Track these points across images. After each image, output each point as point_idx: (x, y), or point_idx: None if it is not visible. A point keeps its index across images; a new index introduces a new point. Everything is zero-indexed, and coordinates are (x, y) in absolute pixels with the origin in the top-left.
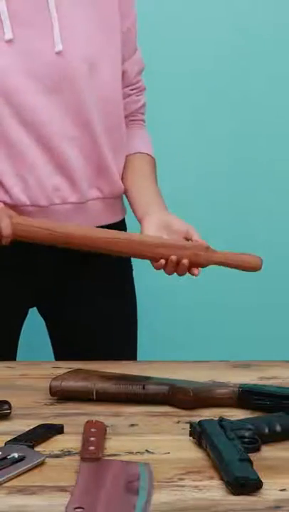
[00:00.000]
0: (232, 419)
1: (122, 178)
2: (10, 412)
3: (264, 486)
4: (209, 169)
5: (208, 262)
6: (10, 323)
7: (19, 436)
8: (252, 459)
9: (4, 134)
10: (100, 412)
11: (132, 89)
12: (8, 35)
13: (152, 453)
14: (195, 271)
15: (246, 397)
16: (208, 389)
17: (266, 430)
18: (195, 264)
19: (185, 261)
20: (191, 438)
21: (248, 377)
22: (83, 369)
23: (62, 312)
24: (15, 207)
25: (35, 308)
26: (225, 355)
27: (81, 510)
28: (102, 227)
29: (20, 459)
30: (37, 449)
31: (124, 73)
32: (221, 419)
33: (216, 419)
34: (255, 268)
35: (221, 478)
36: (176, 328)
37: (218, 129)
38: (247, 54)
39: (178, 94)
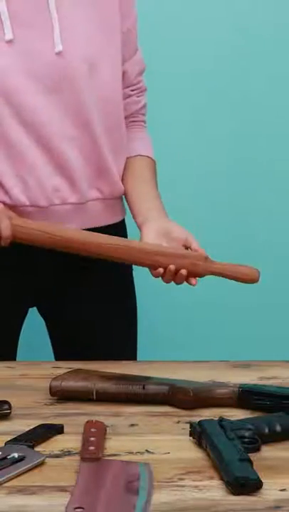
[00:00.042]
0: (232, 419)
1: (122, 181)
2: (10, 412)
3: (264, 486)
4: (209, 169)
5: (206, 272)
6: (10, 323)
7: (19, 436)
8: (252, 459)
9: (4, 135)
10: (100, 412)
11: (133, 90)
12: (9, 36)
13: (152, 453)
14: (193, 281)
15: (246, 397)
16: (208, 389)
17: (266, 430)
18: (193, 274)
19: (183, 271)
20: (191, 438)
21: (248, 377)
22: (83, 369)
23: (62, 312)
24: (14, 207)
25: (35, 308)
26: (225, 355)
27: (81, 510)
28: (101, 227)
29: (21, 459)
30: (37, 449)
31: (124, 74)
32: (221, 419)
33: (216, 419)
34: (252, 280)
35: (221, 478)
36: (176, 328)
37: (218, 129)
38: (247, 54)
39: (178, 94)
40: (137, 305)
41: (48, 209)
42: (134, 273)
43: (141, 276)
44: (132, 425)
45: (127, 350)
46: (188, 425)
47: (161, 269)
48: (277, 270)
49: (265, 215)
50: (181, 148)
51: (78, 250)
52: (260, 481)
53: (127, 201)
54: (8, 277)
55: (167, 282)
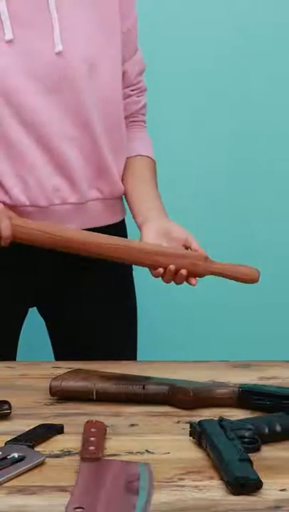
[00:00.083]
0: (232, 419)
1: (122, 181)
2: (10, 412)
3: (264, 486)
4: (209, 169)
5: (206, 272)
6: (10, 323)
7: (19, 436)
8: (252, 459)
9: (4, 135)
10: (100, 412)
11: (133, 90)
12: (9, 36)
13: (152, 453)
14: (193, 281)
15: (246, 397)
16: (208, 389)
17: (266, 430)
18: (193, 274)
19: (183, 271)
20: (191, 438)
21: (248, 377)
22: (83, 369)
23: (62, 312)
24: (14, 207)
25: (35, 308)
26: (225, 355)
27: (81, 510)
28: (101, 227)
29: (21, 459)
30: (37, 449)
31: (124, 74)
32: (221, 419)
33: (216, 419)
34: (252, 280)
35: (221, 478)
36: (176, 328)
37: (218, 129)
38: (247, 54)
39: (178, 94)
40: (137, 305)
41: (48, 209)
42: (134, 273)
43: (141, 276)
44: (132, 425)
45: (127, 350)
46: (188, 425)
47: (161, 269)
48: (277, 270)
49: (265, 215)
50: (181, 148)
51: (78, 250)
52: (260, 481)
53: (127, 201)
54: (8, 277)
55: (167, 282)
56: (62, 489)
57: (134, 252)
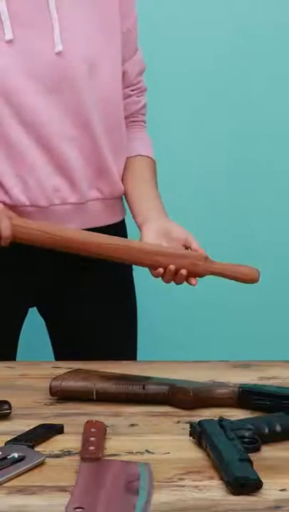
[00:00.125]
0: (232, 419)
1: (122, 181)
2: (10, 412)
3: (264, 486)
4: (209, 169)
5: (206, 272)
6: (10, 323)
7: (19, 436)
8: (252, 459)
9: (4, 135)
10: (100, 412)
11: (133, 90)
12: (9, 36)
13: (152, 453)
14: (193, 281)
15: (246, 397)
16: (208, 389)
17: (266, 430)
18: (193, 274)
19: (183, 271)
20: (191, 438)
21: (248, 377)
22: (83, 369)
23: (62, 312)
24: (14, 207)
25: (35, 308)
26: (225, 355)
27: (81, 510)
28: (101, 227)
29: (21, 459)
30: (37, 449)
31: (124, 74)
32: (221, 419)
33: (216, 419)
34: (252, 280)
35: (221, 478)
36: (176, 328)
37: (218, 129)
38: (247, 54)
39: (178, 94)
40: (137, 305)
41: (48, 209)
42: (134, 273)
43: (141, 276)
44: (132, 425)
45: (127, 350)
46: (188, 425)
47: (161, 269)
48: (277, 270)
49: (265, 215)
50: (181, 148)
51: (78, 250)
52: (260, 481)
53: (127, 201)
54: (8, 277)
55: (167, 282)
56: (62, 489)
57: (134, 252)
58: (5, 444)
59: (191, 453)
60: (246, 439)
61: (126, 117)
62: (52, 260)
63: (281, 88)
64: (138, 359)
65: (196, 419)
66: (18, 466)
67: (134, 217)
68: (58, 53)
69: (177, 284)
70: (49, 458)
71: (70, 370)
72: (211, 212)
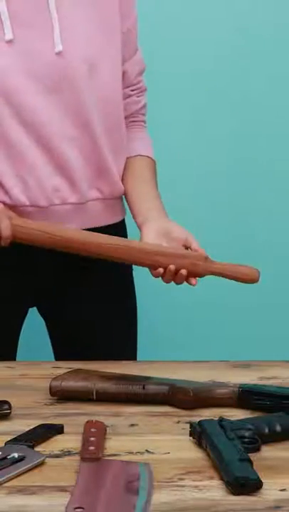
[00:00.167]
0: (232, 419)
1: (122, 181)
2: (10, 412)
3: (264, 486)
4: (209, 169)
5: (206, 272)
6: (10, 323)
7: (19, 436)
8: (252, 459)
9: (4, 135)
10: (100, 412)
11: (133, 90)
12: (9, 36)
13: (152, 453)
14: (193, 281)
15: (246, 397)
16: (208, 389)
17: (266, 430)
18: (193, 274)
19: (183, 271)
20: (191, 438)
21: (248, 377)
22: (83, 369)
23: (62, 312)
24: (14, 207)
25: (35, 308)
26: (225, 355)
27: (81, 510)
28: (101, 227)
29: (21, 459)
30: (37, 449)
31: (124, 74)
32: (221, 419)
33: (216, 419)
34: (252, 280)
35: (221, 478)
36: (176, 328)
37: (218, 129)
38: (247, 54)
39: (178, 94)
40: (137, 305)
41: (48, 209)
42: (134, 273)
43: (141, 276)
44: (132, 425)
45: (127, 350)
46: (188, 425)
47: (161, 269)
48: (277, 270)
49: (265, 215)
50: (181, 148)
51: (78, 250)
52: (260, 481)
53: (127, 201)
54: (8, 277)
55: (167, 282)
56: (62, 489)
57: (134, 252)
58: (5, 444)
59: (191, 453)
60: (246, 439)
61: (126, 117)
62: (52, 260)
63: (281, 88)
64: (138, 359)
65: (196, 419)
66: (18, 466)
67: (134, 217)
68: (58, 53)
69: (177, 284)
70: (49, 458)
71: (70, 370)
72: (211, 212)
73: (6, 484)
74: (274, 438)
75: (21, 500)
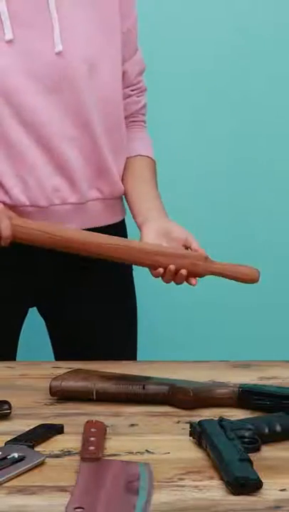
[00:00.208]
0: (232, 419)
1: (122, 181)
2: (10, 412)
3: (264, 486)
4: (209, 169)
5: (206, 272)
6: (10, 323)
7: (19, 436)
8: (252, 459)
9: (4, 135)
10: (100, 412)
11: (133, 90)
12: (9, 36)
13: (152, 453)
14: (193, 281)
15: (246, 397)
16: (208, 389)
17: (266, 430)
18: (193, 274)
19: (183, 271)
20: (191, 438)
21: (248, 377)
22: (83, 369)
23: (62, 312)
24: (14, 207)
25: (35, 308)
26: (225, 355)
27: (81, 510)
28: (101, 227)
29: (21, 459)
30: (37, 449)
31: (124, 74)
32: (221, 419)
33: (216, 419)
34: (252, 280)
35: (221, 478)
36: (176, 328)
37: (218, 129)
38: (247, 54)
39: (178, 94)
40: (137, 305)
41: (48, 209)
42: (134, 273)
43: (141, 276)
44: (132, 425)
45: (127, 350)
46: (188, 425)
47: (161, 269)
48: (277, 270)
49: (265, 215)
50: (181, 148)
51: (78, 250)
52: (260, 481)
53: (127, 201)
54: (8, 277)
55: (167, 282)
56: (62, 489)
57: (134, 252)
58: (5, 444)
59: (191, 453)
60: (246, 439)
61: (126, 117)
62: (52, 260)
63: (281, 88)
64: (138, 359)
65: (196, 419)
66: (18, 466)
67: (134, 217)
68: (58, 53)
69: (177, 284)
70: (49, 458)
71: (70, 370)
72: (211, 212)
73: (6, 484)
74: (274, 438)
75: (21, 500)
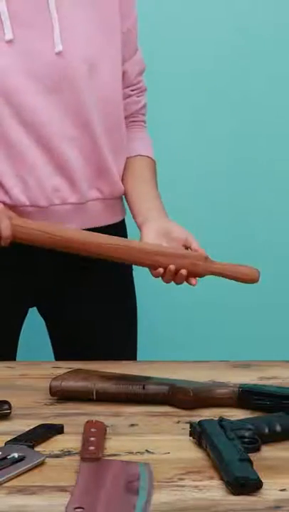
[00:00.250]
0: (232, 419)
1: (122, 181)
2: (10, 412)
3: (264, 486)
4: (209, 169)
5: (206, 272)
6: (10, 323)
7: (19, 436)
8: (252, 459)
9: (4, 135)
10: (100, 412)
11: (133, 90)
12: (9, 36)
13: (152, 453)
14: (193, 281)
15: (246, 397)
16: (208, 389)
17: (266, 430)
18: (193, 274)
19: (183, 271)
20: (191, 438)
21: (248, 377)
22: (83, 369)
23: (62, 312)
24: (14, 207)
25: (35, 308)
26: (225, 355)
27: (81, 510)
28: (101, 227)
29: (21, 459)
30: (37, 449)
31: (124, 74)
32: (221, 419)
33: (216, 419)
34: (252, 280)
35: (221, 478)
36: (176, 328)
37: (218, 129)
38: (247, 54)
39: (178, 94)
40: (137, 305)
41: (48, 209)
42: (134, 273)
43: (141, 276)
44: (132, 425)
45: (127, 350)
46: (188, 425)
47: (161, 269)
48: (277, 270)
49: (265, 215)
50: (181, 148)
51: (78, 250)
52: (260, 481)
53: (127, 201)
54: (8, 277)
55: (167, 282)
56: (62, 489)
57: (134, 252)
58: (5, 444)
59: (191, 453)
60: (246, 439)
61: (126, 117)
62: (52, 260)
63: (281, 88)
64: (138, 359)
65: (196, 419)
66: (18, 466)
67: (134, 217)
68: (58, 53)
69: (177, 284)
70: (49, 458)
71: (70, 370)
72: (211, 212)
73: (6, 484)
74: (274, 438)
75: (21, 500)
